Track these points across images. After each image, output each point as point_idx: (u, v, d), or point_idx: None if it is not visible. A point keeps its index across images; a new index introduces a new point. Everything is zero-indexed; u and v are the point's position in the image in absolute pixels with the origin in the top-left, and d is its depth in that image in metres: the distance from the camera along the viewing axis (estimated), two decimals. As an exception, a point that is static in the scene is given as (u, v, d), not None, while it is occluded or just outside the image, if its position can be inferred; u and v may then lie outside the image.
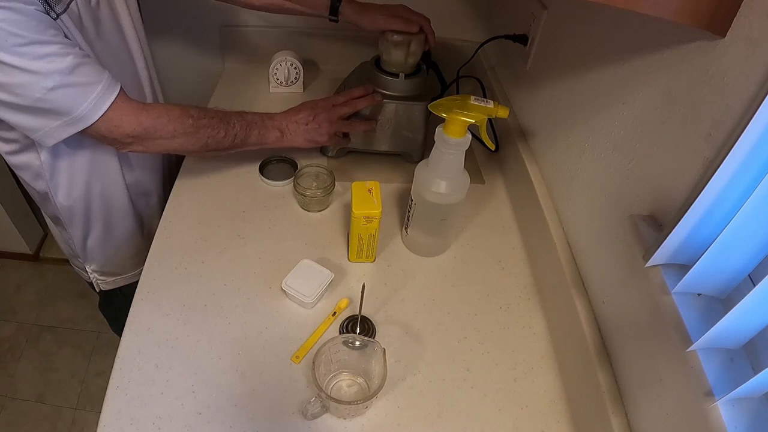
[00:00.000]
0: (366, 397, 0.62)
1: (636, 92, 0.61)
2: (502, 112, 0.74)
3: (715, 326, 0.43)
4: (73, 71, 0.64)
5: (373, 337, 0.72)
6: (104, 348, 1.70)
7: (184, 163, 0.95)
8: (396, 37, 0.88)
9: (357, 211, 0.74)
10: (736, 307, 0.41)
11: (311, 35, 1.23)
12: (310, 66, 1.24)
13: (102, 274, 0.99)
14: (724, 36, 0.47)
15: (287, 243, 0.84)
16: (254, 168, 0.94)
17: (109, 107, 0.68)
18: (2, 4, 0.57)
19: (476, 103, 0.72)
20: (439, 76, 1.13)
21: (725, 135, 0.46)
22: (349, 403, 0.62)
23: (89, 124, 0.68)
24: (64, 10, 0.66)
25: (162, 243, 0.82)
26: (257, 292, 0.76)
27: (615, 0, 0.47)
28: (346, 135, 0.95)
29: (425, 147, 0.98)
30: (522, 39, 0.95)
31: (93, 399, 1.58)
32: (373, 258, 0.82)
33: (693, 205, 0.45)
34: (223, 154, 0.86)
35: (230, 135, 0.82)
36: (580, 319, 0.67)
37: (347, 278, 0.80)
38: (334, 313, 0.74)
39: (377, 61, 0.95)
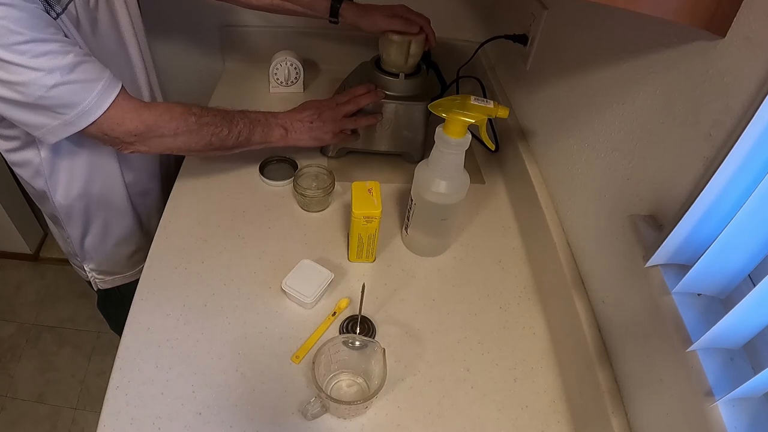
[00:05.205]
0: (366, 397, 0.62)
1: (636, 92, 0.61)
2: (502, 112, 0.74)
3: (715, 326, 0.43)
4: (74, 69, 0.64)
5: (373, 337, 0.72)
6: (104, 348, 1.70)
7: (184, 163, 0.95)
8: (396, 38, 0.88)
9: (357, 211, 0.74)
10: (736, 307, 0.41)
11: (311, 35, 1.23)
12: (310, 66, 1.24)
13: (100, 272, 0.99)
14: (724, 36, 0.47)
15: (287, 243, 0.84)
16: (254, 168, 0.94)
17: (111, 104, 0.68)
18: (3, 0, 0.57)
19: (476, 103, 0.72)
20: (439, 76, 1.13)
21: (725, 135, 0.46)
22: (349, 403, 0.62)
23: (92, 121, 0.68)
24: (63, 11, 0.66)
25: (162, 243, 0.82)
26: (257, 292, 0.76)
27: (615, 0, 0.47)
28: (353, 132, 0.95)
29: (425, 147, 0.98)
30: (522, 39, 0.95)
31: (93, 399, 1.58)
32: (373, 258, 0.82)
33: (693, 205, 0.45)
34: (227, 153, 0.85)
35: (234, 133, 0.82)
36: (580, 320, 0.67)
37: (347, 278, 0.80)
38: (334, 313, 0.74)
39: (377, 62, 0.95)
